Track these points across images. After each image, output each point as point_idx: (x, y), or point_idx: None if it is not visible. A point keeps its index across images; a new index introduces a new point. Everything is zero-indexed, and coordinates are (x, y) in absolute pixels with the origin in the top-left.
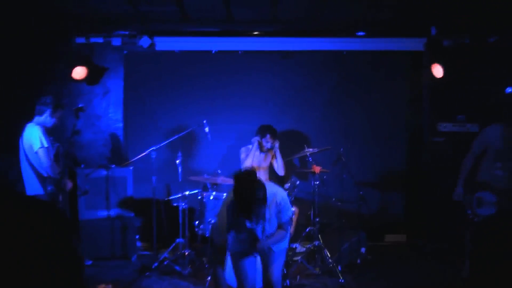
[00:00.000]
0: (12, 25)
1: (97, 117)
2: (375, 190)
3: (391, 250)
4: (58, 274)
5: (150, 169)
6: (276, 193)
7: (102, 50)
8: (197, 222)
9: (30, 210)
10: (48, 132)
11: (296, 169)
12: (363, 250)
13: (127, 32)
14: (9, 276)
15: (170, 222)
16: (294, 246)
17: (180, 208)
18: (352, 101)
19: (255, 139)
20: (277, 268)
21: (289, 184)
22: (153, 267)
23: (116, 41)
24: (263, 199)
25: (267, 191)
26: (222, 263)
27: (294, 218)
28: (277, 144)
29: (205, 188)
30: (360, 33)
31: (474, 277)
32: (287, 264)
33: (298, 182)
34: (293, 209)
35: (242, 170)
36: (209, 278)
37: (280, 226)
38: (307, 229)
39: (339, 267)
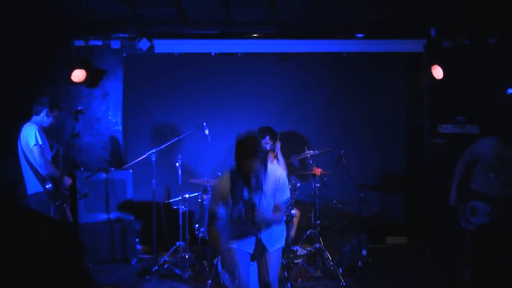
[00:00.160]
0: (12, 28)
1: (96, 120)
2: (375, 192)
3: (392, 252)
4: None
5: (149, 172)
6: (276, 170)
7: (101, 53)
8: (197, 225)
9: (43, 229)
10: (46, 132)
11: (296, 171)
12: (364, 252)
13: (126, 35)
14: None
15: (170, 225)
16: (295, 249)
17: (180, 211)
18: (352, 103)
19: None
20: (273, 268)
21: (289, 187)
22: (153, 270)
23: (115, 44)
24: (264, 160)
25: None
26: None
27: (295, 220)
28: (278, 145)
29: (205, 191)
30: (359, 35)
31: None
32: (288, 266)
33: (298, 185)
34: (294, 211)
35: (244, 134)
36: (209, 281)
37: (276, 208)
38: (308, 232)
39: (340, 270)
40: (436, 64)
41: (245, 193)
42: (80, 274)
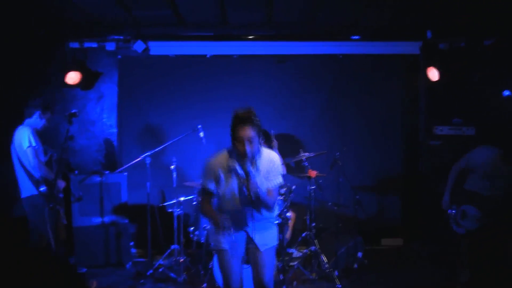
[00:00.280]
0: (6, 30)
1: (91, 123)
2: (371, 194)
3: (388, 254)
4: None
5: (144, 175)
6: (270, 152)
7: (96, 55)
8: (192, 228)
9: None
10: (40, 137)
11: (292, 172)
12: (359, 254)
13: (121, 37)
14: None
15: (165, 228)
16: (290, 251)
17: (175, 214)
18: (348, 105)
19: None
20: (268, 270)
21: (284, 189)
22: (148, 274)
23: (110, 46)
24: (259, 131)
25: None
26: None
27: (291, 223)
28: (275, 143)
29: (200, 194)
30: (355, 37)
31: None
32: (284, 269)
33: (294, 187)
34: (289, 214)
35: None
36: (204, 285)
37: (268, 191)
38: (304, 234)
39: (336, 272)
40: (432, 66)
41: (239, 168)
42: None
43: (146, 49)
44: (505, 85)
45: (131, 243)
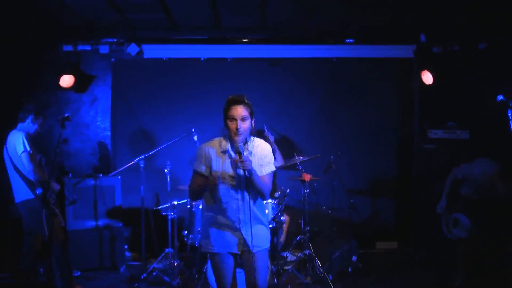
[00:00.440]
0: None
1: (85, 126)
2: (366, 197)
3: (383, 258)
4: None
5: (138, 178)
6: (262, 141)
7: (90, 58)
8: (186, 232)
9: None
10: (32, 139)
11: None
12: (354, 258)
13: (114, 40)
14: None
15: (159, 232)
16: (285, 255)
17: (169, 217)
18: (342, 108)
19: None
20: (262, 273)
21: (278, 193)
22: (142, 278)
23: (104, 49)
24: (251, 112)
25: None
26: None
27: (285, 226)
28: (271, 137)
29: None
30: (349, 40)
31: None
32: (278, 273)
33: (288, 191)
34: (283, 217)
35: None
36: None
37: (262, 178)
38: (298, 238)
39: (330, 276)
40: (426, 69)
41: (232, 148)
42: None
43: (140, 52)
44: (499, 88)
45: (125, 247)
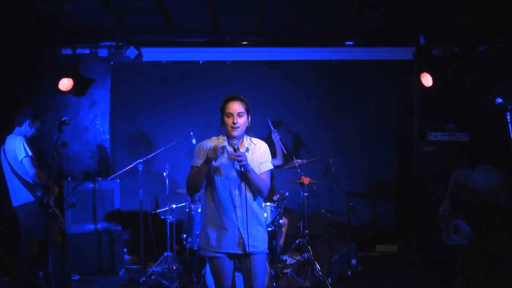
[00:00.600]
0: None
1: (84, 129)
2: (365, 200)
3: (382, 261)
4: None
5: (137, 182)
6: (259, 141)
7: (89, 61)
8: (185, 235)
9: None
10: (30, 143)
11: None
12: (353, 261)
13: (113, 43)
14: None
15: (158, 235)
16: (284, 258)
17: (168, 221)
18: (341, 111)
19: None
20: (260, 277)
21: (277, 196)
22: (140, 281)
23: (103, 52)
24: (247, 110)
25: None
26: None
27: (284, 229)
28: (276, 134)
29: (193, 201)
30: (349, 43)
31: None
32: (277, 276)
33: (287, 194)
34: (282, 221)
35: None
36: None
37: (260, 177)
38: (297, 241)
39: (329, 280)
40: (426, 71)
41: (228, 145)
42: None
43: (139, 55)
44: (498, 90)
45: (125, 250)
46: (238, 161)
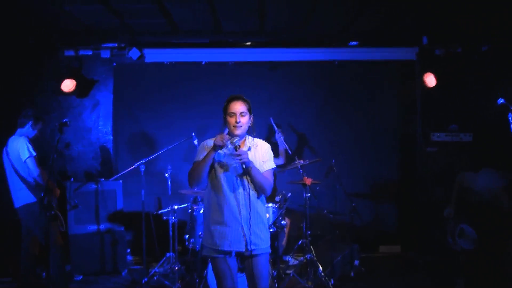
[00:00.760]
0: (2, 39)
1: (87, 130)
2: (368, 201)
3: (385, 262)
4: None
5: (139, 182)
6: (261, 141)
7: (91, 63)
8: (187, 236)
9: None
10: (33, 143)
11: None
12: (356, 262)
13: (116, 44)
14: None
15: (161, 236)
16: (286, 259)
17: (170, 222)
18: (343, 111)
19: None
20: (264, 278)
21: (279, 197)
22: (143, 282)
23: (105, 53)
24: (249, 109)
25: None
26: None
27: (286, 230)
28: (279, 134)
29: (195, 201)
30: (353, 43)
31: None
32: (279, 277)
33: (289, 195)
34: (284, 222)
35: None
36: None
37: (263, 175)
38: (300, 242)
39: (332, 281)
40: (429, 72)
41: (230, 143)
42: None
43: (141, 57)
44: (501, 91)
45: (128, 251)
46: (240, 159)
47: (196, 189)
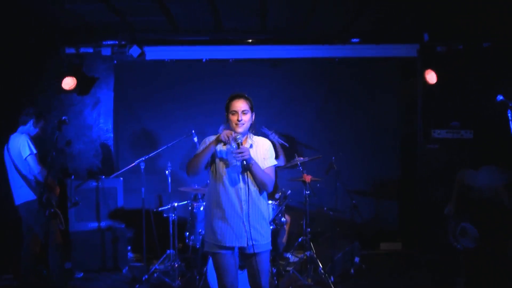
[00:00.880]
0: (3, 37)
1: (88, 128)
2: (368, 198)
3: (386, 259)
4: None
5: (140, 180)
6: (263, 139)
7: (92, 60)
8: (187, 233)
9: None
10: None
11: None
12: (356, 259)
13: (116, 42)
14: None
15: (162, 233)
16: (287, 256)
17: (170, 219)
18: (344, 108)
19: None
20: (264, 274)
21: (279, 194)
22: (143, 279)
23: (106, 51)
24: (251, 107)
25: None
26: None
27: (286, 227)
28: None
29: (195, 199)
30: (355, 40)
31: None
32: (279, 274)
33: (289, 192)
34: (284, 219)
35: None
36: None
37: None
38: (300, 239)
39: (332, 278)
40: (430, 68)
41: (233, 140)
42: None
43: (142, 54)
44: (503, 88)
45: (128, 248)
46: (242, 156)
47: (196, 186)
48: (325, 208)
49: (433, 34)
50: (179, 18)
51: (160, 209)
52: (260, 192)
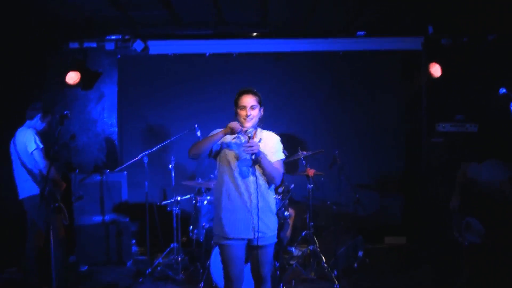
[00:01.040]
0: (5, 32)
1: (92, 122)
2: (372, 192)
3: (390, 253)
4: None
5: (144, 174)
6: (271, 133)
7: (96, 55)
8: (191, 227)
9: None
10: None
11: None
12: (360, 253)
13: (120, 36)
14: None
15: (166, 227)
16: (290, 250)
17: (174, 213)
18: (348, 102)
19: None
20: (267, 264)
21: (282, 188)
22: (147, 272)
23: (110, 46)
24: (260, 102)
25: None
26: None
27: (290, 221)
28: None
29: (199, 193)
30: (360, 33)
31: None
32: (282, 268)
33: (292, 186)
34: (287, 213)
35: None
36: (201, 284)
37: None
38: (303, 233)
39: (335, 272)
40: (434, 61)
41: (242, 134)
42: None
43: (145, 48)
44: (508, 81)
45: (132, 241)
46: (251, 150)
47: (199, 180)
48: (329, 202)
49: (438, 27)
50: (182, 12)
51: (164, 203)
52: (268, 185)
